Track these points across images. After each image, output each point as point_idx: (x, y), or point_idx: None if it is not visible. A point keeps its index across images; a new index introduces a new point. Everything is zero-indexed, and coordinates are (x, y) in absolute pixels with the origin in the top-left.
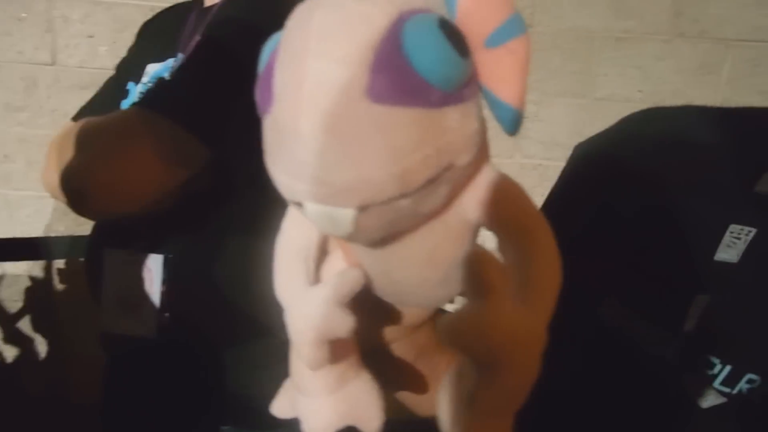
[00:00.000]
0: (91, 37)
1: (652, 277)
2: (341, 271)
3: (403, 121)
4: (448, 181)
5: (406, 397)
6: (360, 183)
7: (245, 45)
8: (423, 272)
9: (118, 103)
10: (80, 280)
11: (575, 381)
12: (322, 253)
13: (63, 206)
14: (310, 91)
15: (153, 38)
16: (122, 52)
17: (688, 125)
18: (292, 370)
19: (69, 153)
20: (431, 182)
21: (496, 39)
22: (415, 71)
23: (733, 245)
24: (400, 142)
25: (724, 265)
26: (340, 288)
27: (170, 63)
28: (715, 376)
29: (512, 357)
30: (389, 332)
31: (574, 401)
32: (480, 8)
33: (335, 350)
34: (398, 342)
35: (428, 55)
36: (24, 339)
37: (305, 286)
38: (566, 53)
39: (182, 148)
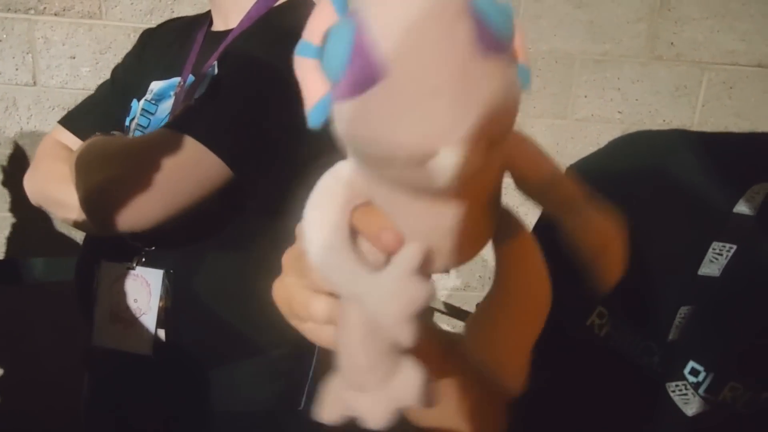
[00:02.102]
0: (72, 58)
1: (639, 291)
2: (407, 246)
3: (501, 70)
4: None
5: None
6: (483, 121)
7: (265, 81)
8: (472, 216)
9: (122, 121)
10: (57, 302)
11: (564, 388)
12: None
13: (41, 227)
14: (433, 46)
15: (156, 53)
16: (104, 73)
17: (673, 149)
18: (345, 367)
19: (92, 171)
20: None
21: None
22: (494, 29)
23: (715, 261)
24: (503, 87)
25: (707, 279)
26: (412, 259)
27: (175, 81)
28: (700, 383)
29: (621, 234)
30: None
31: (562, 407)
32: None
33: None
34: None
35: (501, 16)
36: None
37: (370, 271)
38: (546, 75)
39: (207, 167)
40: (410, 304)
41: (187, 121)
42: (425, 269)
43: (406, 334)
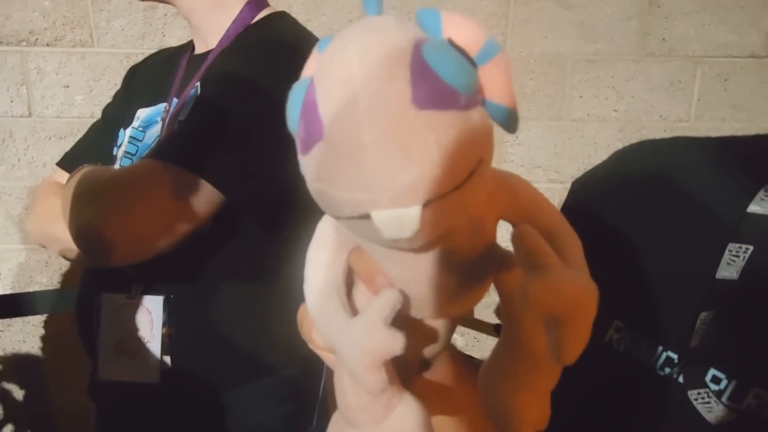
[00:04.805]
0: (66, 87)
1: (655, 300)
2: (381, 293)
3: (445, 122)
4: (481, 175)
5: None
6: (421, 180)
7: (246, 97)
8: (461, 268)
9: (110, 150)
10: (64, 334)
11: (587, 404)
12: (348, 289)
13: (45, 258)
14: (366, 108)
15: (142, 83)
16: (99, 100)
17: (678, 155)
18: (340, 404)
19: (82, 206)
20: (472, 174)
21: (483, 58)
22: (444, 81)
23: (732, 263)
24: (446, 140)
25: (725, 282)
26: (382, 308)
27: (161, 107)
28: (722, 391)
29: (582, 305)
30: (410, 366)
31: (587, 424)
32: (463, 37)
33: (388, 373)
34: (417, 379)
35: (451, 66)
36: (7, 397)
37: (346, 318)
38: (540, 78)
39: (196, 194)
40: (372, 353)
41: (171, 148)
42: (403, 317)
43: (370, 382)
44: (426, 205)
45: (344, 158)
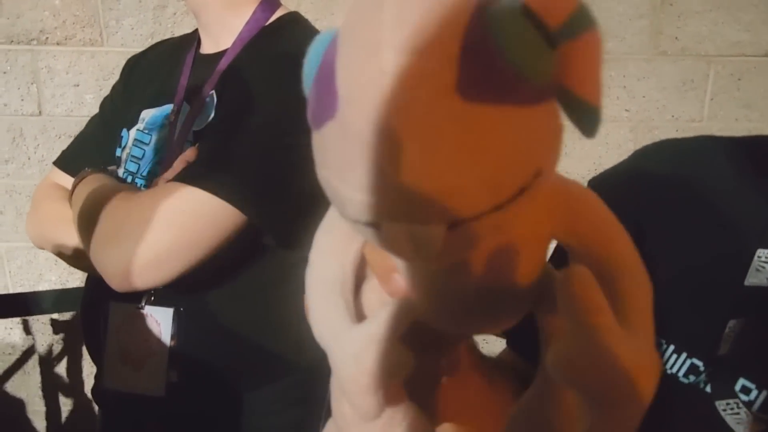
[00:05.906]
0: (76, 86)
1: (680, 306)
2: (391, 303)
3: (497, 120)
4: (535, 190)
5: None
6: (451, 192)
7: (270, 117)
8: (494, 290)
9: (113, 150)
10: (71, 333)
11: None
12: (358, 282)
13: (54, 256)
14: (390, 89)
15: (143, 80)
16: None
17: (704, 157)
18: (335, 414)
19: (112, 241)
20: (521, 192)
21: (569, 31)
22: (507, 62)
23: (762, 269)
24: (492, 145)
25: (755, 289)
26: (390, 322)
27: (167, 109)
28: (752, 402)
29: (634, 389)
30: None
31: None
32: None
33: (387, 393)
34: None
35: (522, 42)
36: (12, 398)
37: (347, 322)
38: None
39: (225, 218)
40: (371, 374)
41: (199, 173)
42: (419, 324)
43: (363, 406)
44: (453, 226)
45: (357, 148)
